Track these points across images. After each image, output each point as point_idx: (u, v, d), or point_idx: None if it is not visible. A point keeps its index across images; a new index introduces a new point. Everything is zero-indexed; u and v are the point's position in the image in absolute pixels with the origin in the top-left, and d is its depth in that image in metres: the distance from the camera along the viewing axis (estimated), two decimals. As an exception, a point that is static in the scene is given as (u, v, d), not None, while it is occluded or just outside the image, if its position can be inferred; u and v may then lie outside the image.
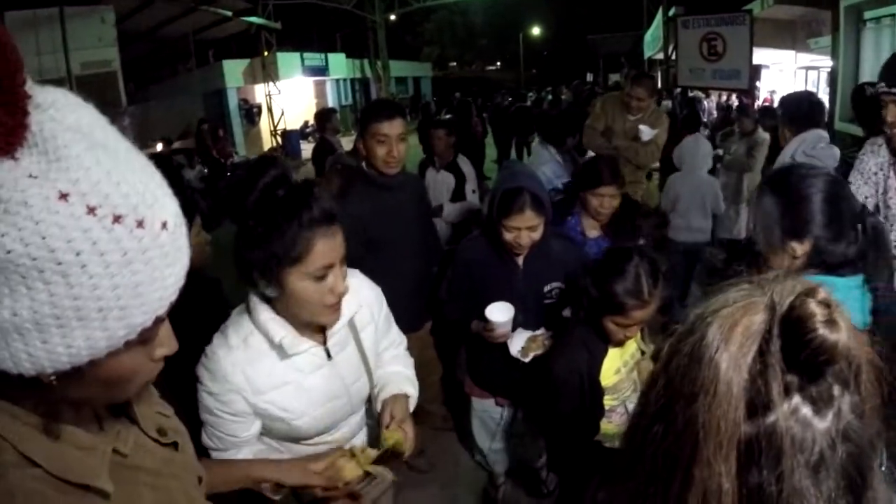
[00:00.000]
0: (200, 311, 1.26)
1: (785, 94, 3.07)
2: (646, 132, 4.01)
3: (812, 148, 2.48)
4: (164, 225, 0.63)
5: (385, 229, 2.42)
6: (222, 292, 2.01)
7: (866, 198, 2.18)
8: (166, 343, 0.74)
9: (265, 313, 1.34)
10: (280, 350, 1.35)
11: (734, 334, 0.57)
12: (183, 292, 0.69)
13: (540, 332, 2.19)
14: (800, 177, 1.41)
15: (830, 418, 0.56)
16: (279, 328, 1.34)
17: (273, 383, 1.37)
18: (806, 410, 0.56)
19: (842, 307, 0.57)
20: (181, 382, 1.18)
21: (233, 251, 1.30)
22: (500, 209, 2.05)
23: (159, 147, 10.73)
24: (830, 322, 0.54)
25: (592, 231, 2.63)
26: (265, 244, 1.22)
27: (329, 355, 1.44)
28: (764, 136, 5.19)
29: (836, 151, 2.52)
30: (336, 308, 1.35)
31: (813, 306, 0.55)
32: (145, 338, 0.67)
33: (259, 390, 1.35)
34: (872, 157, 2.19)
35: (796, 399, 0.56)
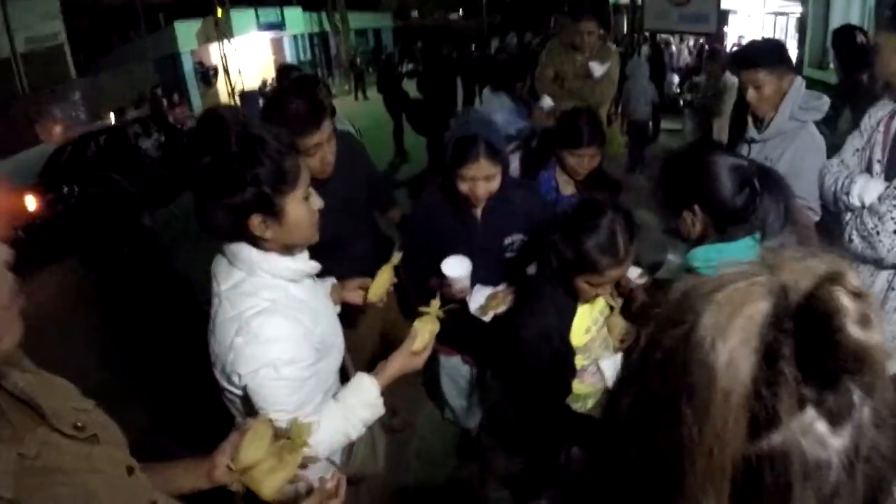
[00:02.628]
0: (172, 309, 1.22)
1: (752, 40, 2.75)
2: (597, 68, 3.95)
3: (805, 101, 2.23)
4: None
5: (325, 228, 2.24)
6: (193, 291, 1.93)
7: (857, 149, 2.05)
8: None
9: (262, 254, 1.35)
10: (297, 280, 1.41)
11: (732, 328, 0.44)
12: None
13: (500, 288, 2.12)
14: (694, 154, 1.63)
15: (849, 433, 0.44)
16: (287, 260, 1.38)
17: (314, 312, 1.42)
18: (821, 426, 0.43)
19: (872, 298, 0.44)
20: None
21: (198, 218, 1.28)
22: (455, 158, 1.97)
23: (113, 119, 10.31)
24: (865, 320, 0.42)
25: (567, 188, 2.55)
26: (259, 179, 1.23)
27: (313, 278, 1.54)
28: (733, 80, 5.17)
29: (826, 98, 2.25)
30: (317, 225, 1.41)
31: (843, 299, 0.42)
32: None
33: (314, 322, 1.41)
34: (877, 111, 2.05)
35: (810, 413, 0.43)
